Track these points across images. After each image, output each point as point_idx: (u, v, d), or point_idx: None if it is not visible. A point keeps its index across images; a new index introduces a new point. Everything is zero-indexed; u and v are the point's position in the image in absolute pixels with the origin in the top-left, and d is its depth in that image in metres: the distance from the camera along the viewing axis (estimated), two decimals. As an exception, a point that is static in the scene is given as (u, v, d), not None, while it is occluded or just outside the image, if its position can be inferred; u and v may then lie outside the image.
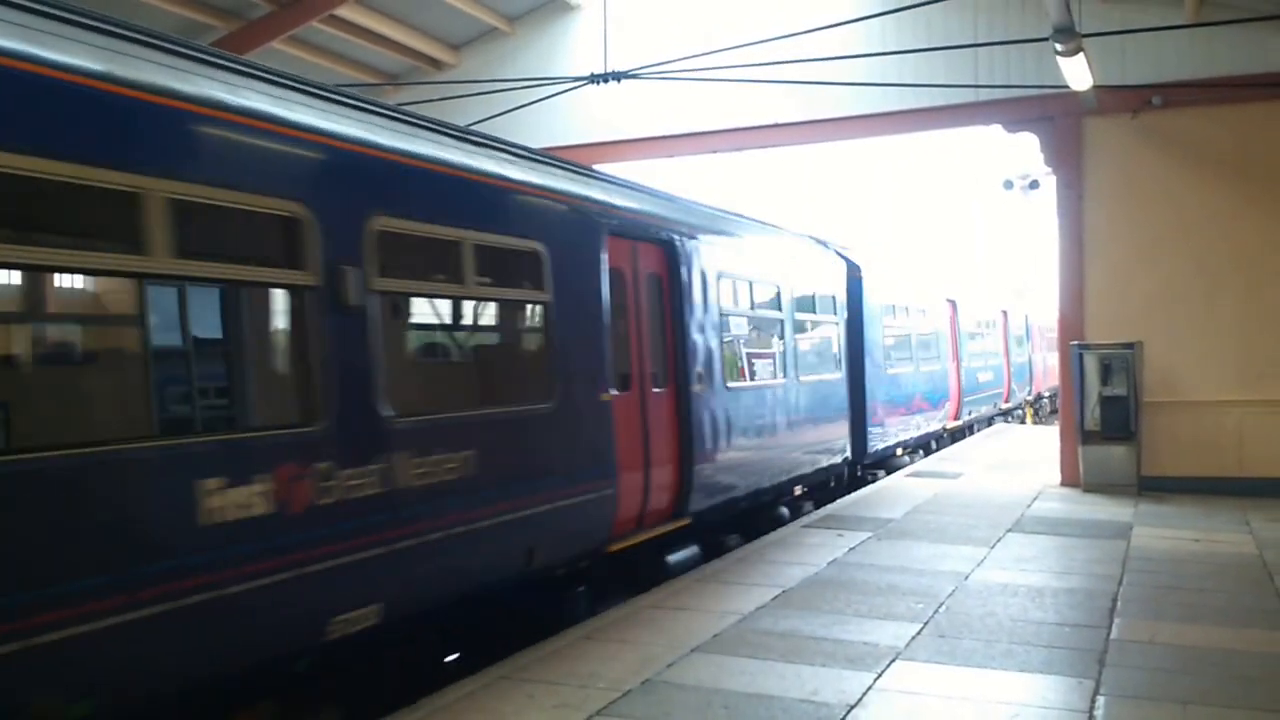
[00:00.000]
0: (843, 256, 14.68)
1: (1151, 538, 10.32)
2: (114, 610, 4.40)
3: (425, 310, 7.60)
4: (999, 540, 10.19)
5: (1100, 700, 5.71)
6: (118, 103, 4.62)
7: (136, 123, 4.71)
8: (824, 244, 14.52)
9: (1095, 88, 11.96)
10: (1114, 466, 13.17)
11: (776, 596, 8.02)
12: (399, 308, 6.95)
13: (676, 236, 9.59)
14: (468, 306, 7.79)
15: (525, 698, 5.82)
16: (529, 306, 7.84)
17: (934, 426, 18.83)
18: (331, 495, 5.50)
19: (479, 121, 13.95)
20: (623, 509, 8.41)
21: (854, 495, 13.47)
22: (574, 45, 15.37)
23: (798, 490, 12.48)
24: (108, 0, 5.67)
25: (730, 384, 10.34)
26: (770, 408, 11.41)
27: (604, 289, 8.24)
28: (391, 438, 5.95)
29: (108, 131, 4.57)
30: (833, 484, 13.82)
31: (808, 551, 9.74)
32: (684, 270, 9.60)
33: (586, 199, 8.30)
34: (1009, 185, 19.07)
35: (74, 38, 4.56)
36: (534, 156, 7.98)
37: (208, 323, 5.59)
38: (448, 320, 7.93)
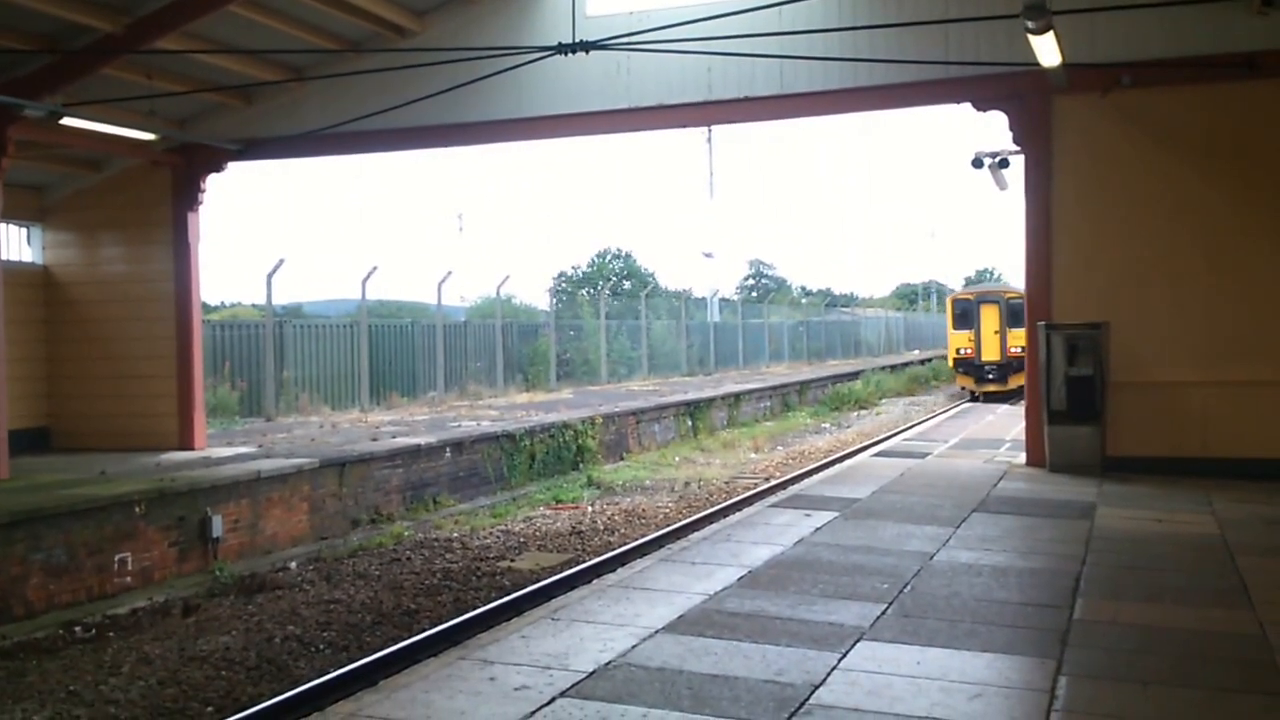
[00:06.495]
0: None
1: (1115, 518, 10.38)
2: None
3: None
4: (964, 520, 10.21)
5: (1062, 680, 5.72)
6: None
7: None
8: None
9: (1065, 65, 11.89)
10: (1079, 447, 13.20)
11: (742, 577, 7.99)
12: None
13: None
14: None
15: (486, 680, 5.75)
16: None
17: None
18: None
19: (443, 92, 13.74)
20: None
21: (821, 474, 13.47)
22: (542, 14, 15.08)
23: None
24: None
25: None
26: None
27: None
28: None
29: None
30: None
31: (774, 531, 9.72)
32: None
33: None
34: (978, 164, 19.02)
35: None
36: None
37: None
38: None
